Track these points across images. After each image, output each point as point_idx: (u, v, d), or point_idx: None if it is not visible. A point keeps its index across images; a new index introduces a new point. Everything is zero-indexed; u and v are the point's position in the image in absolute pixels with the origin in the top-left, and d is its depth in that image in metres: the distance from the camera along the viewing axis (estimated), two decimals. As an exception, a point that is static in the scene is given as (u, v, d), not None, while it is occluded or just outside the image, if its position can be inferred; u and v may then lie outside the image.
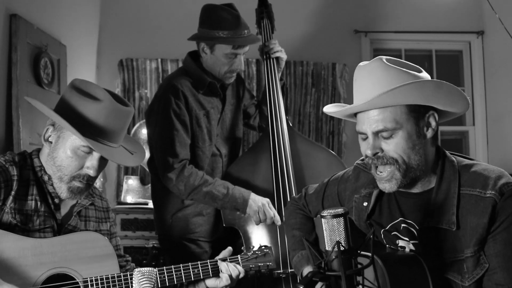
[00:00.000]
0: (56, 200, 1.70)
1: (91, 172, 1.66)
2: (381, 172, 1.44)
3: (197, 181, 2.29)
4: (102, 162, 1.69)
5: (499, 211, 1.36)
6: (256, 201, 2.31)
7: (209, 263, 1.81)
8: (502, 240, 1.36)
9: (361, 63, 1.48)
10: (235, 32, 2.35)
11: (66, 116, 1.62)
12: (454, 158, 1.49)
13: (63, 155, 1.65)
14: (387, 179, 1.43)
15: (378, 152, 1.42)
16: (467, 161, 1.49)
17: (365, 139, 1.45)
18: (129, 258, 1.92)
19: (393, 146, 1.40)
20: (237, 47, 2.37)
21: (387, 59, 1.43)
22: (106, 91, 1.68)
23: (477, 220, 1.37)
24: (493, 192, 1.37)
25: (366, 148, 1.44)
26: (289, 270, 2.27)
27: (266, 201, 2.32)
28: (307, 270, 1.71)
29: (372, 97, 1.37)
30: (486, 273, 1.38)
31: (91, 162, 1.66)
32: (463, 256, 1.40)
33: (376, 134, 1.41)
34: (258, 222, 2.33)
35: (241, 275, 1.83)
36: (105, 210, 1.91)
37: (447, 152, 1.51)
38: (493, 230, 1.37)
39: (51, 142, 1.69)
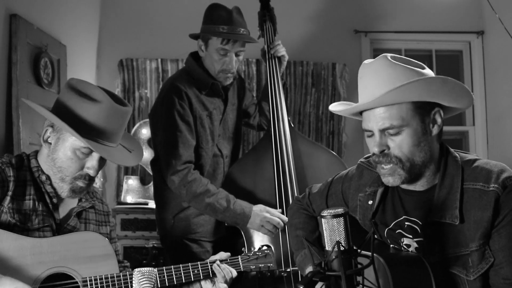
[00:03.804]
0: (54, 200, 1.70)
1: (92, 172, 1.68)
2: (384, 168, 1.45)
3: (199, 189, 2.28)
4: (102, 162, 1.71)
5: (502, 205, 1.37)
6: (256, 216, 2.27)
7: (209, 263, 1.81)
8: (506, 234, 1.36)
9: (365, 61, 1.48)
10: (229, 28, 2.35)
11: (65, 118, 1.61)
12: (457, 154, 1.50)
13: (63, 156, 1.65)
14: (389, 173, 1.44)
15: (384, 150, 1.43)
16: (469, 156, 1.50)
17: (370, 136, 1.46)
18: (127, 264, 1.91)
19: (399, 143, 1.41)
20: (226, 43, 2.36)
21: (392, 57, 1.43)
22: (103, 90, 1.68)
23: (481, 214, 1.38)
24: (496, 186, 1.38)
25: (373, 146, 1.45)
26: (291, 269, 2.27)
27: (265, 210, 2.29)
28: (310, 269, 1.71)
29: (380, 94, 1.37)
30: (493, 268, 1.38)
31: (91, 163, 1.67)
32: (468, 251, 1.40)
33: (383, 131, 1.42)
34: (271, 234, 2.30)
35: (234, 275, 1.83)
36: (105, 214, 1.91)
37: (450, 148, 1.52)
38: (497, 224, 1.37)
39: (50, 143, 1.68)
